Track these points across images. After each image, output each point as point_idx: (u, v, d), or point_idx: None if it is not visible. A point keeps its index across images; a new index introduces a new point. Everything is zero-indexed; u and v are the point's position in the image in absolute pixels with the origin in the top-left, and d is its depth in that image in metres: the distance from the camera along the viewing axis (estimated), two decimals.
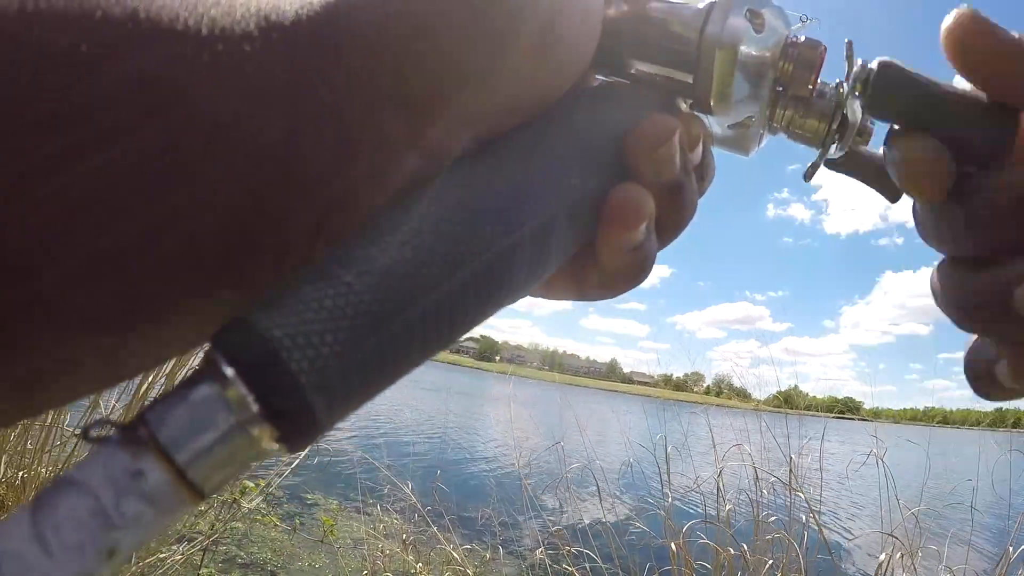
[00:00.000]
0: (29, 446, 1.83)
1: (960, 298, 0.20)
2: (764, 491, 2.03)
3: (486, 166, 0.17)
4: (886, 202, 0.24)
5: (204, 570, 1.99)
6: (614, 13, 0.21)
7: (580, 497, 2.92)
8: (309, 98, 0.13)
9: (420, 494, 2.60)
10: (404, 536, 2.38)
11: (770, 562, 1.83)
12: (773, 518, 2.01)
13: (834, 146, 0.23)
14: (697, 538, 1.99)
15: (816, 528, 1.88)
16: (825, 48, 0.22)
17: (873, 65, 0.20)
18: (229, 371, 0.13)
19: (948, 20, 0.18)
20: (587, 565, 2.04)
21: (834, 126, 0.22)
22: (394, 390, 0.16)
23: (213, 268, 0.13)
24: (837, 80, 0.23)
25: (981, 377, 0.20)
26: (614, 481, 2.69)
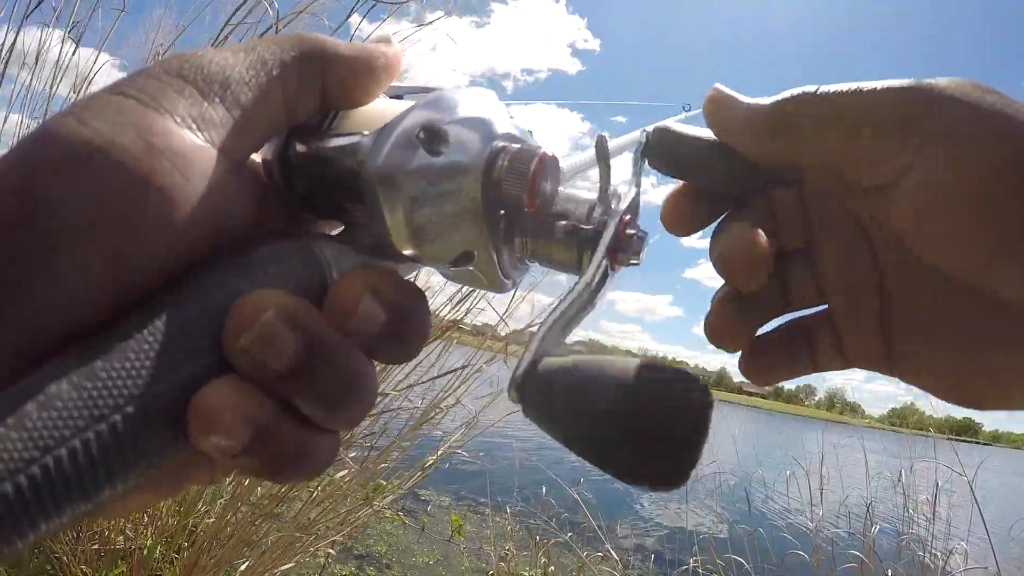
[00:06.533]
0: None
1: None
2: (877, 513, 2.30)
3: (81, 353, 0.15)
4: None
5: (319, 557, 1.95)
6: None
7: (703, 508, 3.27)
8: None
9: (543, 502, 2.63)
10: (531, 540, 2.29)
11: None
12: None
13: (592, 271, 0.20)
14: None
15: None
16: (545, 154, 0.19)
17: (650, 129, 0.24)
18: None
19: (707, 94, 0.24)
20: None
21: (585, 252, 0.20)
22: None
23: None
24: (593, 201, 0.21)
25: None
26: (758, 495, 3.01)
